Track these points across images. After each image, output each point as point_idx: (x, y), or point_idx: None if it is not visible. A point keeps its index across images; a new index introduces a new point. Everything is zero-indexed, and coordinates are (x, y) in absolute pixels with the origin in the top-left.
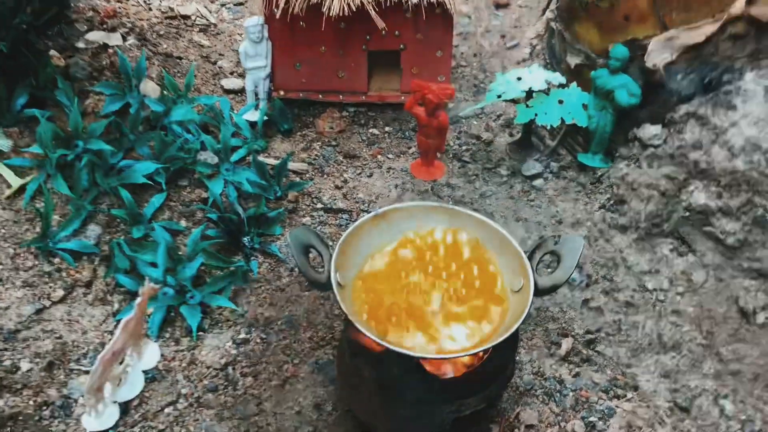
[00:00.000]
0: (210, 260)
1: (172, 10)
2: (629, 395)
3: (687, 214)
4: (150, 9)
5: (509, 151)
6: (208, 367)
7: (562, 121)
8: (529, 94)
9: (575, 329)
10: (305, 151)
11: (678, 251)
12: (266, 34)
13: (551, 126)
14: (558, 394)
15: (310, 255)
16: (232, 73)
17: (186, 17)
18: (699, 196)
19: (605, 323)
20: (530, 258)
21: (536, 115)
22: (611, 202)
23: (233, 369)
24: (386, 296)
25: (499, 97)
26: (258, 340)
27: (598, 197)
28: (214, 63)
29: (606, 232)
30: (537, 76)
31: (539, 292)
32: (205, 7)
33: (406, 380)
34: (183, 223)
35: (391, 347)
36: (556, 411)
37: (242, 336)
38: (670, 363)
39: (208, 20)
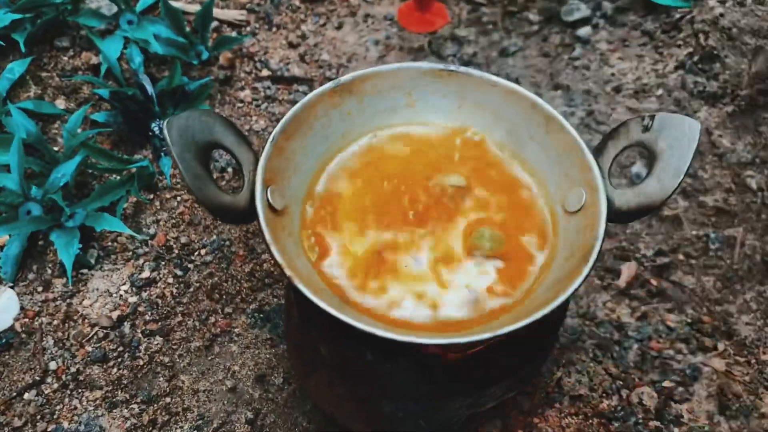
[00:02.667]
0: (97, 158)
1: None
2: (720, 346)
3: None
4: None
5: None
6: (92, 325)
7: None
8: None
9: (641, 250)
10: None
11: None
12: None
13: None
14: (616, 347)
15: (217, 161)
16: None
17: None
18: None
19: (685, 240)
20: (599, 155)
21: None
22: (695, 58)
23: (132, 326)
24: (355, 233)
25: None
26: (170, 280)
27: (674, 52)
28: None
29: (686, 103)
30: None
31: (618, 215)
32: None
33: (387, 365)
34: (61, 103)
35: (361, 326)
36: (613, 372)
37: (146, 274)
38: None
39: None
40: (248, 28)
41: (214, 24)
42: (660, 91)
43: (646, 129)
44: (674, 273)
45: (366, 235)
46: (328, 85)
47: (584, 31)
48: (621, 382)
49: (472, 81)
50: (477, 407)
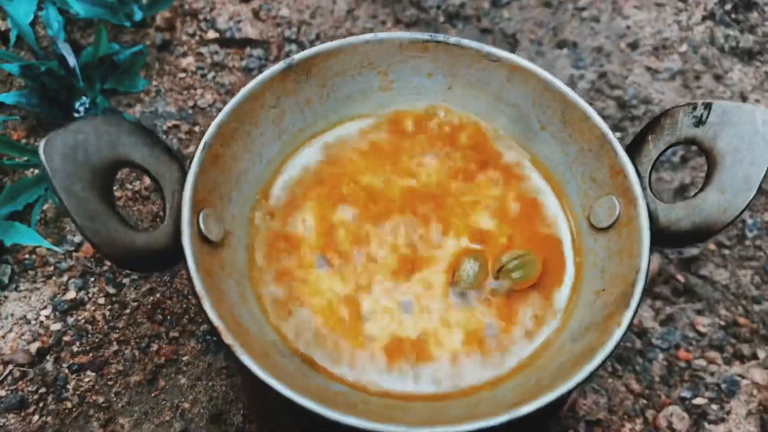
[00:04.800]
0: (6, 151)
1: None
2: (761, 354)
3: None
4: None
5: None
6: (5, 363)
7: None
8: None
9: None
10: None
11: None
12: None
13: None
14: (639, 359)
15: (128, 184)
16: None
17: None
18: None
19: None
20: (636, 155)
21: None
22: (726, 7)
23: (56, 361)
24: (324, 271)
25: None
26: (102, 300)
27: (700, 0)
28: None
29: (716, 61)
30: None
31: (665, 238)
32: None
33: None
34: None
35: (329, 414)
36: (636, 389)
37: (71, 295)
38: None
39: None
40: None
41: None
42: (684, 47)
43: (699, 122)
44: (704, 266)
45: (340, 274)
46: (279, 66)
47: None
48: (645, 401)
49: (465, 55)
50: None
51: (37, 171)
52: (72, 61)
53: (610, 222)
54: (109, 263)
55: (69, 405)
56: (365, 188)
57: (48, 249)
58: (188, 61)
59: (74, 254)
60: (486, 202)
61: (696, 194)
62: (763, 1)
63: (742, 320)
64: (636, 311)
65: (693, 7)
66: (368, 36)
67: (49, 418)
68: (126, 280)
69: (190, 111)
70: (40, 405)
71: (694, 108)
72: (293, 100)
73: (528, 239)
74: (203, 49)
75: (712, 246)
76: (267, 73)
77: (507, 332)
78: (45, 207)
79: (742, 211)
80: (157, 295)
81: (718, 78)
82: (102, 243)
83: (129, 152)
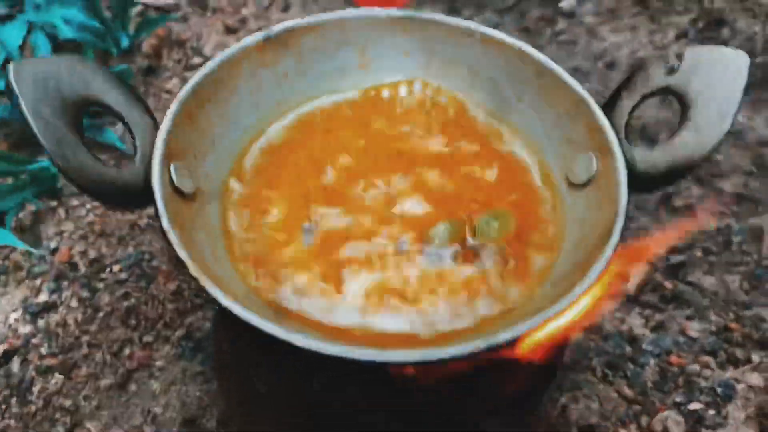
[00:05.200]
0: None
1: None
2: (755, 358)
3: None
4: None
5: None
6: None
7: None
8: None
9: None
10: None
11: None
12: None
13: None
14: (630, 365)
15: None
16: None
17: None
18: None
19: (702, 234)
20: (611, 111)
21: None
22: (699, 25)
23: (23, 363)
24: (297, 226)
25: None
26: (74, 304)
27: (673, 20)
28: None
29: None
30: None
31: (643, 181)
32: None
33: (343, 395)
34: None
35: (305, 343)
36: (628, 395)
37: (43, 298)
38: None
39: None
40: (179, 13)
41: (138, 9)
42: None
43: (671, 71)
44: (692, 273)
45: (313, 229)
46: (257, 35)
47: (567, 3)
48: (639, 407)
49: (442, 30)
50: None
51: (12, 180)
52: None
53: (588, 177)
54: (83, 267)
55: (33, 408)
56: (340, 155)
57: (23, 253)
58: (173, 83)
59: (49, 258)
60: (464, 169)
61: (671, 137)
62: (732, 18)
63: (733, 325)
64: (615, 248)
65: (666, 27)
66: (345, 12)
67: (11, 421)
68: (100, 285)
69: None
70: (3, 407)
71: (667, 59)
72: (270, 73)
73: (507, 201)
74: (188, 74)
75: (698, 253)
76: (245, 41)
77: (484, 284)
78: (21, 215)
79: (718, 144)
80: (132, 300)
81: None
82: (69, 169)
83: (102, 94)
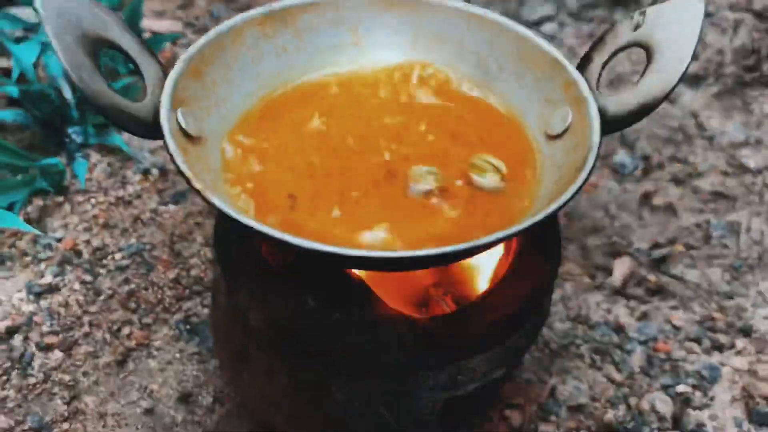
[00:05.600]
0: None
1: None
2: (739, 344)
3: None
4: None
5: None
6: None
7: None
8: None
9: (634, 243)
10: (182, 9)
11: None
12: None
13: None
14: (618, 351)
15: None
16: None
17: None
18: None
19: (683, 230)
20: (584, 69)
21: None
22: None
23: (25, 339)
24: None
25: None
26: (77, 286)
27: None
28: None
29: None
30: None
31: (614, 122)
32: None
33: (336, 316)
34: None
35: (301, 243)
36: (617, 379)
37: (47, 280)
38: None
39: None
40: (184, 40)
41: (146, 35)
42: (637, 78)
43: (637, 26)
44: (674, 266)
45: (311, 178)
46: (258, 9)
47: (549, 28)
48: (627, 389)
49: (429, 8)
50: (455, 389)
51: (21, 175)
52: (68, 93)
53: (564, 128)
54: (87, 255)
55: (33, 381)
56: (336, 117)
57: (28, 241)
58: None
59: (55, 245)
60: (451, 128)
61: (638, 81)
62: (702, 33)
63: (716, 315)
64: (590, 171)
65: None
66: None
67: (11, 392)
68: (102, 270)
69: None
70: (4, 378)
71: (632, 17)
72: (271, 45)
73: (492, 152)
74: None
75: (680, 248)
76: (248, 14)
77: (470, 216)
78: (29, 208)
79: (678, 82)
80: (132, 285)
81: (670, 102)
82: (87, 90)
83: (117, 39)
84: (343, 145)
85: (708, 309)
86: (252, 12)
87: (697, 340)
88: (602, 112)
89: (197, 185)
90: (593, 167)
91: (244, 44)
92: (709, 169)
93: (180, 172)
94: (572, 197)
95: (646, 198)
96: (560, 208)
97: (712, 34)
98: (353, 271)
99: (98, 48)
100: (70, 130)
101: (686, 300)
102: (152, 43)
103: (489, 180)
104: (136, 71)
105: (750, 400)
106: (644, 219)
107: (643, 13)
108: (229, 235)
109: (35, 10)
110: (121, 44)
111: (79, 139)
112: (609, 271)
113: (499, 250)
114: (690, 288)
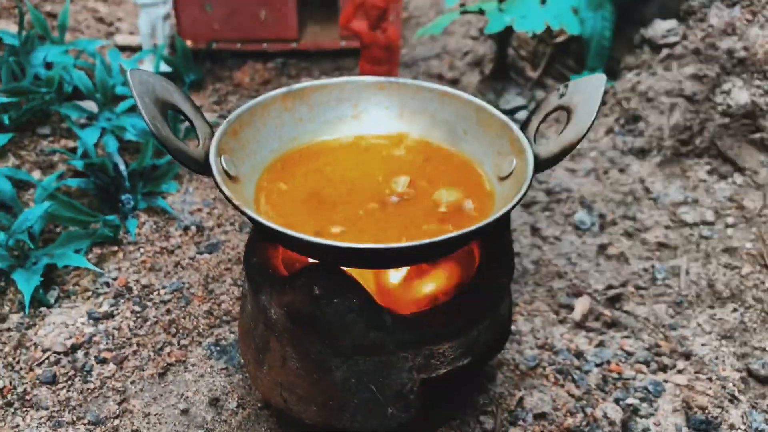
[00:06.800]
0: (64, 211)
1: None
2: (680, 365)
3: (726, 120)
4: None
5: (481, 90)
6: (45, 351)
7: (546, 42)
8: None
9: (591, 285)
10: (218, 104)
11: (719, 173)
12: None
13: (532, 53)
14: (577, 372)
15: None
16: (131, 33)
17: None
18: (740, 94)
19: (632, 274)
20: (525, 129)
21: (513, 20)
22: (621, 122)
23: (86, 354)
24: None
25: (463, 6)
26: (128, 314)
27: (602, 121)
28: (110, 24)
29: (618, 160)
30: None
31: (545, 162)
32: None
33: (335, 301)
34: (36, 175)
35: (316, 239)
36: (576, 393)
37: (104, 309)
38: (731, 319)
39: None
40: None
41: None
42: (593, 153)
43: (562, 95)
44: (626, 304)
45: (320, 208)
46: (281, 90)
47: (521, 114)
48: (584, 401)
49: (410, 89)
50: (429, 371)
51: (86, 229)
52: (122, 167)
53: (509, 171)
54: (136, 291)
55: (91, 386)
56: (338, 167)
57: (89, 280)
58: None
59: (111, 282)
60: (427, 174)
61: (560, 134)
62: (645, 114)
63: (662, 342)
64: (527, 189)
65: (597, 127)
66: (344, 78)
67: (74, 394)
68: (149, 303)
69: (211, 200)
70: (68, 383)
71: (559, 89)
72: (290, 116)
73: (458, 189)
74: None
75: (631, 288)
76: (273, 92)
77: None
78: (89, 255)
79: (587, 131)
80: (173, 315)
81: (621, 171)
82: (161, 137)
83: (179, 103)
84: (344, 183)
85: (655, 338)
86: (277, 91)
87: (646, 363)
88: (536, 157)
89: (236, 202)
90: (525, 193)
91: (270, 114)
92: (654, 224)
93: (224, 195)
94: (508, 212)
95: (602, 248)
96: (499, 218)
97: (653, 115)
98: (349, 271)
99: (167, 109)
100: (123, 197)
101: (636, 331)
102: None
103: (446, 200)
104: (192, 127)
105: (689, 410)
106: (600, 265)
107: (567, 86)
108: (254, 256)
109: (125, 80)
110: (182, 108)
111: (130, 204)
112: (571, 308)
113: (470, 264)
114: (640, 321)
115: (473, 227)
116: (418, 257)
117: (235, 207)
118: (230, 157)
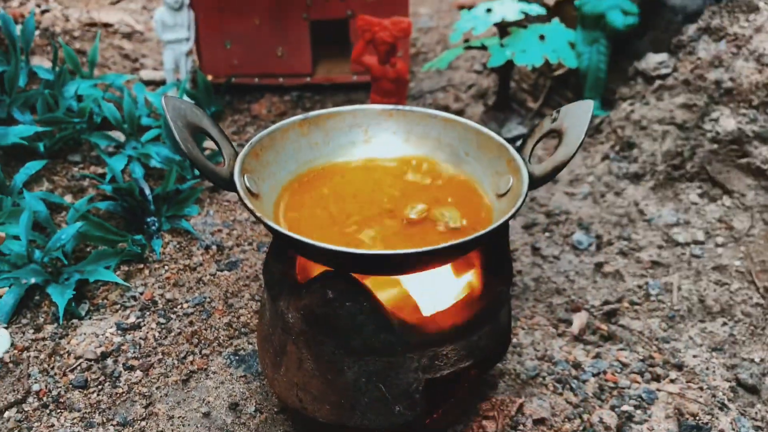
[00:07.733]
0: (94, 231)
1: (92, 19)
2: (673, 375)
3: (715, 146)
4: (68, 19)
5: (484, 120)
6: (77, 358)
7: (545, 75)
8: (504, 31)
9: (589, 301)
10: (237, 135)
11: (709, 195)
12: (187, 1)
13: (532, 85)
14: (575, 381)
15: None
16: (155, 69)
17: (108, 25)
18: (727, 122)
19: (627, 290)
20: (521, 151)
21: (513, 54)
22: (616, 149)
23: (115, 361)
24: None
25: (467, 41)
26: (153, 326)
27: (598, 148)
28: (135, 60)
29: (614, 184)
30: (510, 7)
31: (538, 180)
32: (131, 16)
33: (347, 304)
34: (68, 198)
35: (335, 247)
36: (573, 401)
37: (131, 320)
38: (720, 332)
39: (133, 27)
40: None
41: (210, 144)
42: (591, 178)
43: (554, 120)
44: (622, 318)
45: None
46: (299, 116)
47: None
48: (581, 408)
49: (416, 116)
50: (433, 372)
51: (114, 248)
52: (147, 191)
53: (507, 189)
54: (161, 304)
55: (120, 391)
56: (351, 186)
57: (118, 294)
58: (232, 194)
59: (137, 297)
60: (432, 193)
61: (552, 155)
62: (639, 141)
63: (655, 354)
64: (521, 204)
65: (594, 153)
66: (356, 106)
67: (104, 398)
68: (173, 315)
69: (230, 222)
70: (99, 388)
71: (552, 114)
72: (306, 141)
73: (459, 208)
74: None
75: (626, 304)
76: (291, 119)
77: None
78: (117, 272)
79: (576, 151)
80: (195, 326)
81: (617, 194)
82: (190, 156)
83: (207, 128)
84: (355, 199)
85: (649, 350)
86: (294, 118)
87: (640, 373)
88: (531, 175)
89: (258, 213)
90: (520, 206)
91: (288, 139)
92: (648, 244)
93: (247, 208)
94: (505, 223)
95: (598, 267)
96: (494, 229)
97: (646, 142)
98: (359, 277)
99: (196, 132)
100: (148, 219)
101: (631, 343)
102: (213, 157)
103: (451, 222)
104: (218, 149)
105: (680, 416)
106: (597, 282)
107: (558, 111)
108: (273, 267)
109: (159, 107)
110: (210, 132)
111: (155, 225)
112: (569, 323)
113: (470, 275)
114: (634, 334)
115: (472, 236)
116: (421, 264)
117: (257, 218)
118: (252, 176)
